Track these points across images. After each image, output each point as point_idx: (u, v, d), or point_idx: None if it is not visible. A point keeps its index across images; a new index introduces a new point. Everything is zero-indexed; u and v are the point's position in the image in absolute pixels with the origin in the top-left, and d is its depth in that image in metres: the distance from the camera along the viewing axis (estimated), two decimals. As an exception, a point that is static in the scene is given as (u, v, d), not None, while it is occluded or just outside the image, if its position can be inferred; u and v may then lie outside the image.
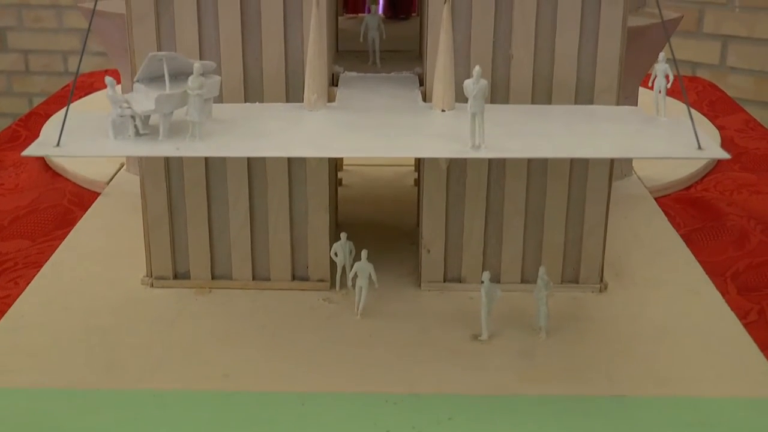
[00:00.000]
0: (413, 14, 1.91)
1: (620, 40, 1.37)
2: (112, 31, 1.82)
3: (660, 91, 1.28)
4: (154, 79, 1.21)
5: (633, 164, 1.97)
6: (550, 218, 1.44)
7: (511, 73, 1.39)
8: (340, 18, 1.85)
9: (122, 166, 2.01)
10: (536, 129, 1.22)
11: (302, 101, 1.31)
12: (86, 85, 2.71)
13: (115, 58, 1.93)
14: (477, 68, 1.12)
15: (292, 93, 1.40)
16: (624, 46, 1.38)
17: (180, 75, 1.22)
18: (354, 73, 1.49)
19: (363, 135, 1.18)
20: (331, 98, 1.38)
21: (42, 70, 4.42)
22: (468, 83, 1.12)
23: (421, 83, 1.46)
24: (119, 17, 1.72)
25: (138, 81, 1.21)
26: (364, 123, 1.23)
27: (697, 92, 2.69)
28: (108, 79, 1.16)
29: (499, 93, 1.40)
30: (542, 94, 1.40)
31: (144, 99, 1.18)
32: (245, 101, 1.40)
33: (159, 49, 1.38)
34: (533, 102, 1.40)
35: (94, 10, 1.34)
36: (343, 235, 1.44)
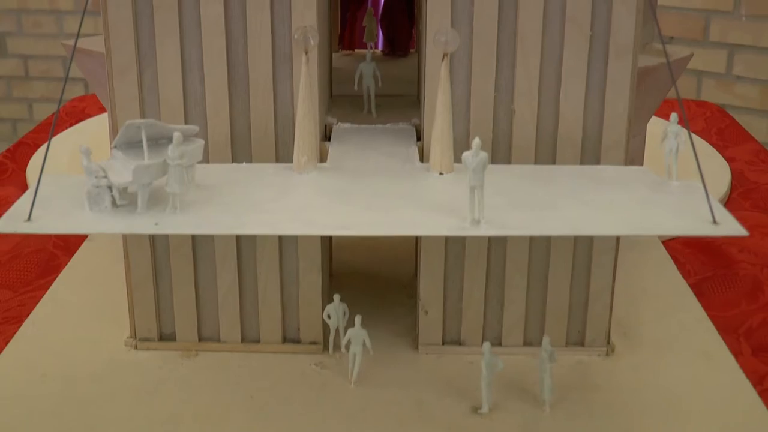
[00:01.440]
0: (411, 50, 1.84)
1: (629, 96, 1.30)
2: (96, 69, 1.75)
3: (671, 153, 1.21)
4: (133, 144, 1.14)
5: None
6: (554, 280, 1.37)
7: (514, 128, 1.32)
8: (334, 54, 1.78)
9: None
10: (540, 198, 1.15)
11: (292, 159, 1.24)
12: (77, 111, 2.64)
13: (101, 97, 1.85)
14: (476, 140, 1.04)
15: (282, 149, 1.33)
16: (633, 101, 1.31)
17: (161, 139, 1.15)
18: (348, 125, 1.42)
19: (355, 207, 1.11)
20: (323, 155, 1.31)
21: (41, 75, 4.37)
22: (467, 156, 1.05)
23: (419, 136, 1.38)
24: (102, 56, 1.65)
25: (116, 147, 1.14)
26: (356, 190, 1.16)
27: (705, 119, 2.61)
28: (82, 149, 1.09)
29: (500, 149, 1.33)
30: (546, 150, 1.33)
31: (121, 168, 1.11)
32: (232, 158, 1.33)
33: (141, 103, 1.31)
34: (537, 159, 1.33)
35: (74, 46, 1.26)
36: (336, 297, 1.37)
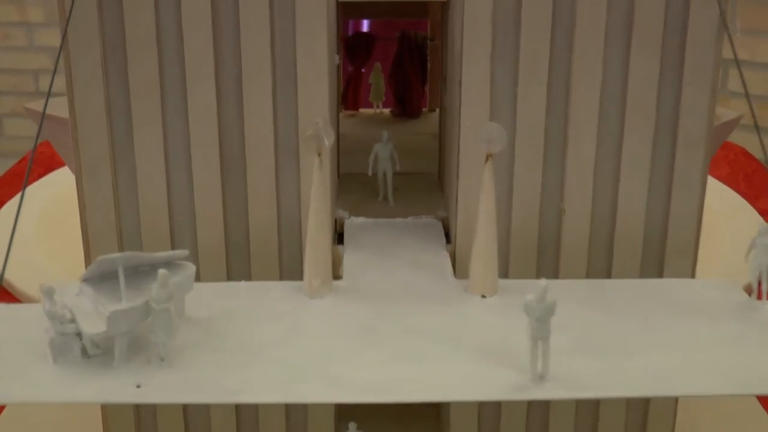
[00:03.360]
0: (423, 110, 1.62)
1: (699, 193, 1.09)
2: (63, 136, 1.52)
3: (761, 270, 1.00)
4: (106, 277, 0.92)
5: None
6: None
7: (563, 230, 1.11)
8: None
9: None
10: (607, 334, 0.94)
11: (298, 269, 1.03)
12: (45, 157, 2.40)
13: (69, 164, 1.63)
14: (542, 283, 0.83)
15: (287, 258, 1.12)
16: (704, 198, 1.10)
17: (141, 267, 0.93)
18: (362, 219, 1.20)
19: (383, 353, 0.89)
20: (335, 258, 1.09)
21: (11, 89, 4.13)
22: (530, 302, 0.83)
23: (447, 235, 1.17)
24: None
25: (85, 281, 0.92)
26: (383, 325, 0.94)
27: (728, 162, 2.42)
28: (44, 289, 0.87)
29: (546, 254, 1.12)
30: (600, 256, 1.12)
31: (93, 309, 0.89)
32: (227, 271, 1.11)
33: (116, 206, 1.09)
34: (589, 266, 1.12)
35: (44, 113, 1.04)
36: (352, 426, 1.15)
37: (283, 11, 1.03)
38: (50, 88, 0.98)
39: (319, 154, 0.96)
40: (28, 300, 1.68)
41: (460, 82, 1.05)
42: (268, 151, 1.07)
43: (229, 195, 1.09)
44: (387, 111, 1.61)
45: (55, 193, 2.11)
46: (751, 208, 2.11)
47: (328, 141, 0.96)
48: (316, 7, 1.02)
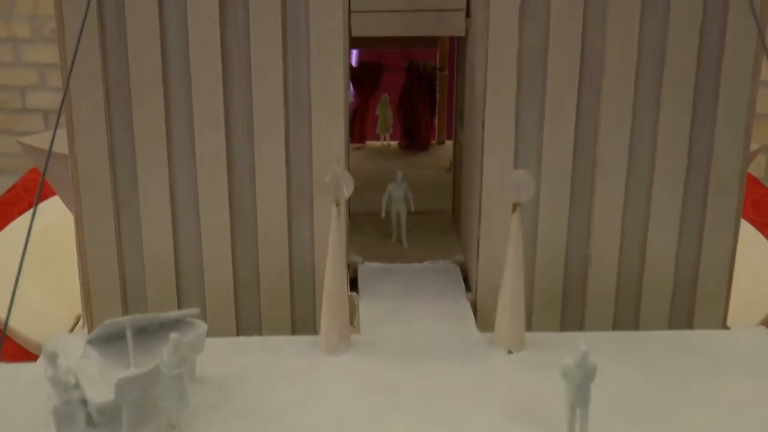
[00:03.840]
0: (432, 141, 1.57)
1: (732, 237, 1.04)
2: (61, 172, 1.46)
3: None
4: (113, 338, 0.86)
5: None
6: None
7: (589, 277, 1.06)
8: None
9: (77, 321, 1.64)
10: (644, 394, 0.88)
11: (311, 319, 0.98)
12: (37, 184, 2.33)
13: (66, 200, 1.56)
14: (583, 347, 0.77)
15: (299, 305, 1.06)
16: (736, 243, 1.05)
17: (149, 327, 0.87)
18: (376, 264, 1.14)
19: (409, 419, 0.84)
20: (350, 308, 1.03)
21: (-2, 106, 4.06)
22: (569, 367, 0.78)
23: (465, 280, 1.11)
24: (67, 158, 1.38)
25: (90, 344, 0.86)
26: (406, 386, 0.89)
27: (735, 188, 2.37)
28: (46, 354, 0.81)
29: (572, 302, 1.07)
30: (628, 303, 1.07)
31: (99, 374, 0.83)
32: (236, 318, 1.05)
33: (119, 252, 1.03)
34: (616, 313, 1.07)
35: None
36: None
37: (297, 50, 0.98)
38: (55, 131, 0.93)
39: (338, 204, 0.90)
40: (24, 341, 1.62)
41: (483, 124, 1.00)
42: (280, 196, 1.02)
43: (238, 241, 1.03)
44: (394, 143, 1.56)
45: (47, 222, 2.03)
46: (761, 236, 2.06)
47: (348, 190, 0.90)
48: (331, 46, 0.97)
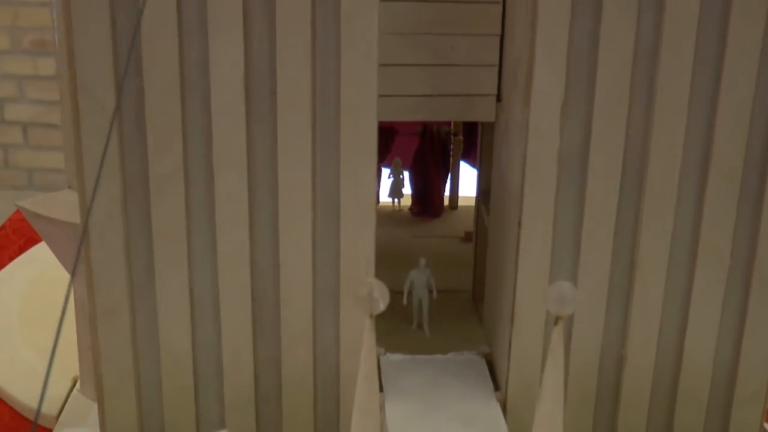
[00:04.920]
0: (446, 208, 1.52)
1: (771, 342, 1.01)
2: (62, 239, 1.41)
3: None
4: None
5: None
6: None
7: (624, 378, 1.02)
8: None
9: (74, 384, 1.58)
10: None
11: (334, 424, 0.96)
12: (27, 227, 2.26)
13: (67, 266, 1.51)
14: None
15: (322, 406, 1.01)
16: (776, 346, 1.02)
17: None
18: (399, 355, 1.10)
19: None
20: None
21: (-23, 121, 3.99)
22: None
23: (492, 374, 1.07)
24: (69, 225, 1.33)
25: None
26: None
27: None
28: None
29: (605, 403, 1.03)
30: (662, 406, 1.04)
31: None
32: (256, 422, 1.01)
33: (134, 350, 0.98)
34: (650, 416, 1.03)
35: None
36: None
37: (326, 146, 0.93)
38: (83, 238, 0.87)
39: (371, 317, 0.86)
40: (18, 404, 1.56)
41: (519, 223, 0.96)
42: (306, 296, 0.97)
43: (260, 341, 0.98)
44: (406, 208, 1.51)
45: (37, 272, 1.98)
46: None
47: (384, 303, 0.86)
48: (363, 144, 0.92)
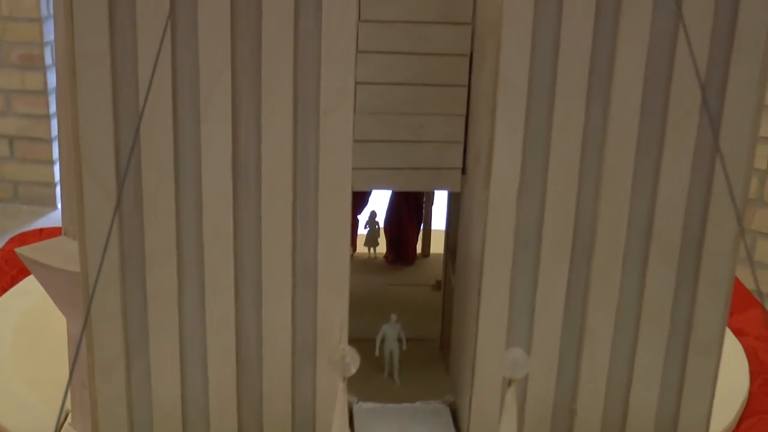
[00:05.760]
0: (418, 255, 1.62)
1: (710, 397, 1.11)
2: (61, 285, 1.50)
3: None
4: None
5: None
6: None
7: (575, 429, 1.12)
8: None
9: (66, 417, 1.67)
10: None
11: None
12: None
13: (65, 311, 1.60)
14: None
15: (300, 455, 1.11)
16: (713, 401, 1.12)
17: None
18: (370, 404, 1.20)
19: None
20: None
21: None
22: None
23: (456, 422, 1.17)
24: (66, 273, 1.41)
25: None
26: None
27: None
28: None
29: (557, 452, 1.13)
30: (610, 455, 1.13)
31: None
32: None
33: (129, 403, 1.07)
34: (599, 464, 1.13)
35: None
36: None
37: (305, 221, 1.03)
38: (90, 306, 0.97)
39: (344, 379, 0.96)
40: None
41: (479, 291, 1.06)
42: (285, 353, 1.07)
43: (243, 395, 1.08)
44: (381, 255, 1.61)
45: (29, 303, 2.05)
46: (730, 332, 2.12)
47: (354, 367, 0.96)
48: (337, 218, 1.03)
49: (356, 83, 1.06)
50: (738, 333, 2.06)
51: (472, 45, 1.11)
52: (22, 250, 1.57)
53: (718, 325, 1.09)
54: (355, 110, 1.04)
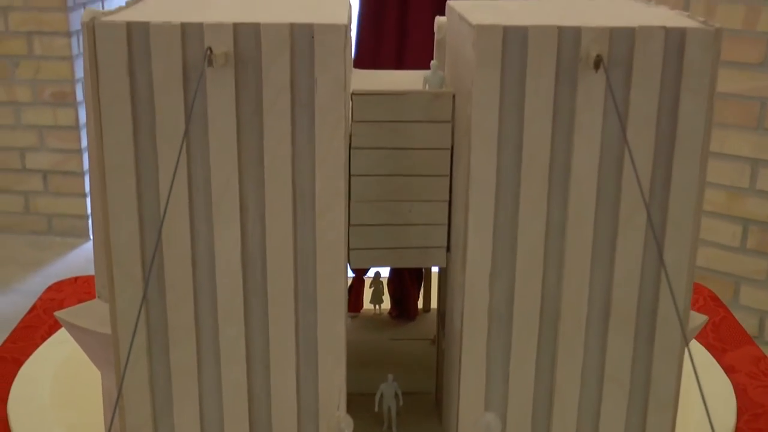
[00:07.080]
0: (420, 311, 1.78)
1: (669, 447, 1.25)
2: (95, 345, 1.66)
3: None
4: None
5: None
6: None
7: (547, 480, 1.26)
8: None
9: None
10: None
11: None
12: (56, 305, 2.51)
13: (99, 366, 1.76)
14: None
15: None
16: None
17: None
18: (371, 456, 1.35)
19: None
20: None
21: (-1, 167, 4.25)
22: None
23: (447, 473, 1.32)
24: (101, 335, 1.57)
25: None
26: None
27: (698, 308, 2.56)
28: None
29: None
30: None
31: None
32: None
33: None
34: None
35: None
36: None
37: (306, 303, 1.19)
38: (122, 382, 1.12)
39: (340, 440, 1.11)
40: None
41: (459, 360, 1.21)
42: (292, 416, 1.22)
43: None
44: (385, 311, 1.76)
45: (67, 353, 2.20)
46: (719, 368, 2.22)
47: (348, 431, 1.11)
48: (334, 297, 1.18)
49: (352, 175, 1.22)
50: (729, 370, 2.17)
51: (452, 139, 1.27)
52: (61, 314, 1.73)
53: (673, 383, 1.23)
54: (351, 199, 1.20)
